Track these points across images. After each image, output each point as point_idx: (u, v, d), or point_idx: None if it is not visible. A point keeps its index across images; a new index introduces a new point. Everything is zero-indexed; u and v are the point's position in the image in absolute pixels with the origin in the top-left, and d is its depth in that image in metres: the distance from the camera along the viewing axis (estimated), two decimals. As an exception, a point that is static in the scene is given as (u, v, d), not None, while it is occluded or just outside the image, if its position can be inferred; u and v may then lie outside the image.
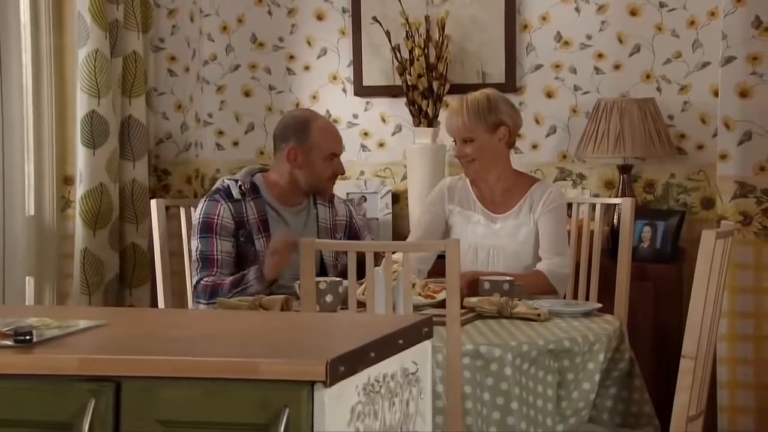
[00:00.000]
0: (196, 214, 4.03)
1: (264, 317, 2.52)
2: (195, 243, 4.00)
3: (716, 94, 4.52)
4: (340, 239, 4.15)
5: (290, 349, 2.18)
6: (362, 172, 5.18)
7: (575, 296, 4.31)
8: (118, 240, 4.81)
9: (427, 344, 2.49)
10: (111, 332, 2.28)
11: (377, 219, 5.07)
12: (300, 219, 4.10)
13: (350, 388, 2.15)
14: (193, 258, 4.01)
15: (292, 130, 4.05)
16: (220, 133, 5.26)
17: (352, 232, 4.21)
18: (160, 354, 2.10)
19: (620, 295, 4.23)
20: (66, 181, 4.88)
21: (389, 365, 2.31)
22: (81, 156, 4.68)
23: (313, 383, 2.06)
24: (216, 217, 3.98)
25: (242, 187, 4.02)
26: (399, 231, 5.07)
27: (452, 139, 4.19)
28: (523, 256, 4.11)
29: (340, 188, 5.10)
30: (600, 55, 4.95)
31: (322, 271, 4.06)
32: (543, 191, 4.13)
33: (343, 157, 5.10)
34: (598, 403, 3.57)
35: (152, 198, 4.90)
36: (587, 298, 4.27)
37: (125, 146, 4.84)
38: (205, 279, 3.93)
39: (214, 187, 4.10)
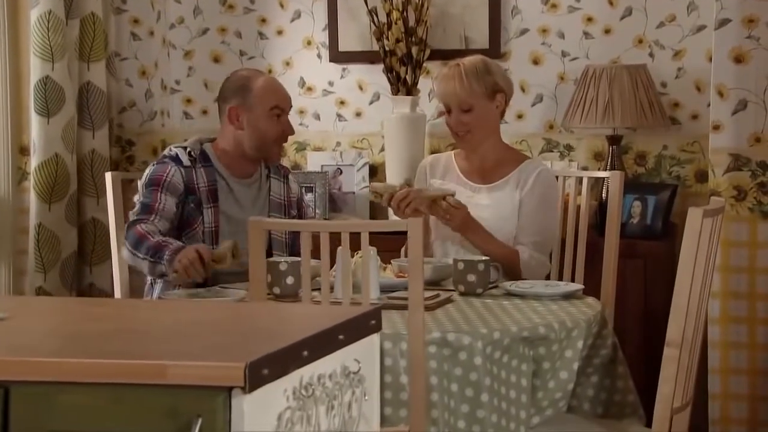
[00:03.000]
0: (143, 177, 3.76)
1: (191, 308, 2.27)
2: (138, 197, 3.73)
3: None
4: (293, 216, 3.90)
5: (208, 348, 1.92)
6: (338, 143, 4.92)
7: (560, 275, 4.07)
8: (77, 214, 4.55)
9: (374, 339, 2.24)
10: (9, 328, 2.03)
11: (353, 193, 4.81)
12: (251, 192, 3.83)
13: (277, 392, 1.90)
14: (134, 207, 3.73)
15: (233, 90, 3.79)
16: (188, 101, 5.00)
17: (300, 214, 3.95)
18: (58, 354, 1.85)
19: (607, 273, 4.00)
20: (22, 151, 4.62)
21: (326, 364, 2.05)
22: (34, 124, 4.42)
23: (230, 389, 1.81)
24: (165, 175, 3.71)
25: (191, 154, 3.76)
26: (376, 206, 4.82)
27: (443, 109, 3.92)
28: (503, 231, 3.86)
29: (315, 160, 4.85)
30: (589, 19, 4.68)
31: (268, 249, 3.81)
32: (533, 170, 3.87)
33: (319, 128, 4.93)
34: (579, 392, 3.35)
35: (115, 170, 4.68)
36: (573, 277, 4.03)
37: (84, 114, 4.57)
38: (140, 225, 3.63)
39: (161, 155, 3.84)
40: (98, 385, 1.80)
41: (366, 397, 2.19)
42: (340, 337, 2.10)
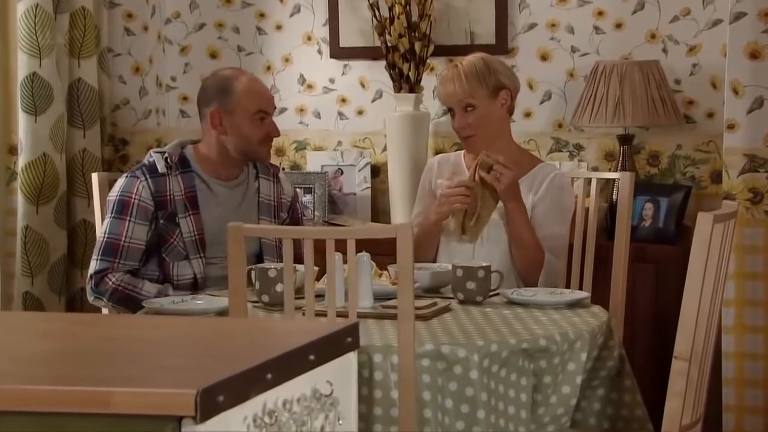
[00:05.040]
0: (112, 191, 3.60)
1: (149, 325, 2.10)
2: (105, 223, 3.58)
3: (728, 55, 4.05)
4: (284, 219, 3.75)
5: (159, 371, 1.75)
6: (339, 143, 4.74)
7: (568, 281, 3.89)
8: (66, 216, 4.38)
9: (350, 357, 2.06)
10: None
11: (355, 194, 4.64)
12: (236, 194, 3.67)
13: (236, 420, 1.73)
14: (98, 240, 3.60)
15: (213, 92, 3.63)
16: (185, 98, 4.83)
17: (294, 217, 3.80)
18: (-8, 379, 1.68)
19: (617, 279, 3.83)
20: (11, 150, 4.44)
21: (294, 387, 1.88)
22: (22, 123, 4.25)
23: (180, 418, 1.64)
24: (134, 196, 3.55)
25: (168, 160, 3.60)
26: (378, 207, 4.65)
27: (447, 111, 3.79)
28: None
29: (315, 159, 4.68)
30: (600, 13, 4.49)
31: (259, 254, 3.65)
32: (547, 174, 3.72)
33: (320, 126, 4.77)
34: (585, 405, 3.17)
35: (108, 170, 4.53)
36: (581, 283, 3.85)
37: (74, 113, 4.41)
38: (110, 276, 3.52)
39: (140, 163, 3.68)
40: (34, 414, 1.64)
41: (340, 422, 2.02)
42: (311, 357, 1.94)
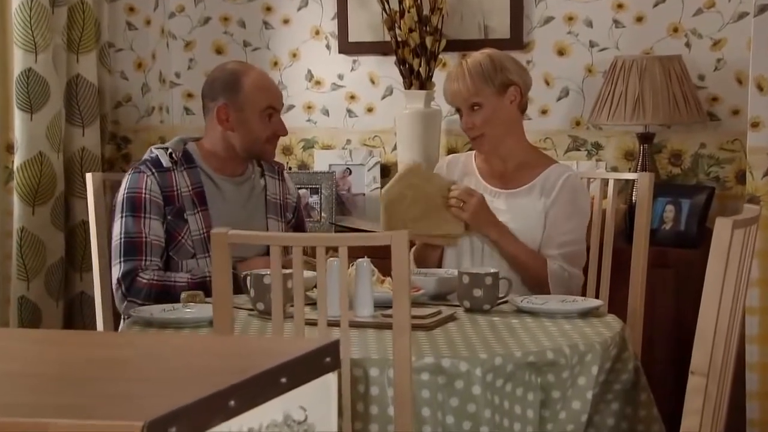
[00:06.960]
0: (120, 191, 3.44)
1: (110, 343, 1.94)
2: (118, 224, 3.40)
3: (755, 50, 3.86)
4: (290, 220, 3.62)
5: (106, 399, 1.59)
6: (348, 141, 4.58)
7: (584, 288, 3.70)
8: (64, 218, 4.24)
9: (328, 379, 1.89)
10: None
11: (364, 194, 4.47)
12: (243, 191, 3.54)
13: (191, 452, 1.56)
14: (114, 243, 3.40)
15: (221, 86, 3.48)
16: (189, 95, 4.68)
17: (298, 219, 3.65)
18: None
19: (635, 284, 3.66)
20: (8, 149, 4.30)
21: (262, 414, 1.71)
22: (17, 121, 4.11)
23: (126, 453, 1.48)
24: (144, 191, 3.40)
25: (173, 155, 3.45)
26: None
27: (455, 111, 3.64)
28: (525, 238, 3.53)
29: (323, 158, 4.52)
30: (620, 6, 4.32)
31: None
32: (559, 175, 3.55)
33: (328, 124, 4.60)
34: (598, 421, 3.00)
35: (110, 169, 4.39)
36: (597, 289, 3.68)
37: (72, 110, 4.26)
38: (142, 275, 3.34)
39: (140, 159, 3.54)
40: (-37, 447, 1.48)
41: (315, 450, 1.85)
42: (282, 380, 1.76)
